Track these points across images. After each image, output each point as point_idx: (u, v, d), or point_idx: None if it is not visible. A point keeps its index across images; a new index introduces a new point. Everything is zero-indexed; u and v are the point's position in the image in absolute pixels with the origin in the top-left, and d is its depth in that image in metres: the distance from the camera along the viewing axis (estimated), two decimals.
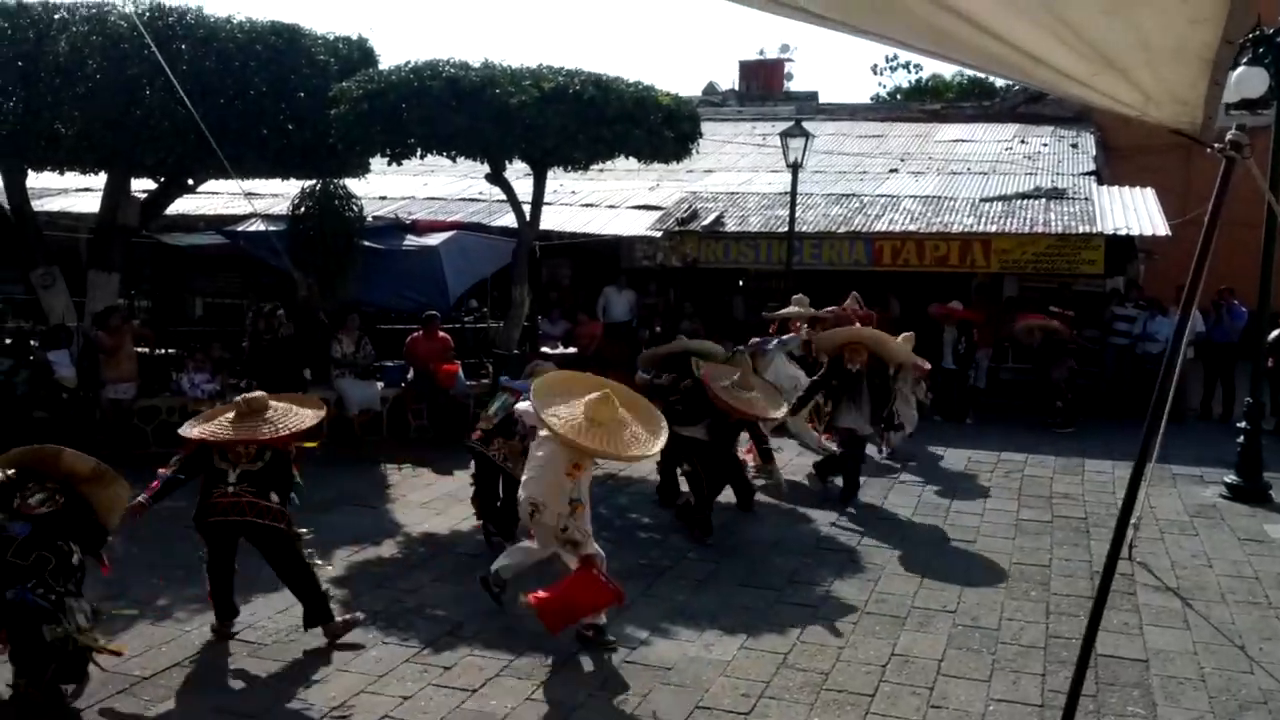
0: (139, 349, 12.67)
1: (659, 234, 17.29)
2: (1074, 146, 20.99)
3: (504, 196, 14.08)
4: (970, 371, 15.39)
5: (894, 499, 10.68)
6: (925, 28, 3.09)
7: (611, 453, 6.82)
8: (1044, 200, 17.11)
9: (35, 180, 14.35)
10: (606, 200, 18.87)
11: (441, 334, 13.74)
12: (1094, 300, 16.82)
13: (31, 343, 12.88)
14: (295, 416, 6.92)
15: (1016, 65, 3.47)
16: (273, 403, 6.98)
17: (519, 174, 14.12)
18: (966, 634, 7.18)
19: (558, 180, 16.13)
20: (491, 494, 9.03)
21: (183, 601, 7.57)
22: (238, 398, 7.06)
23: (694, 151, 14.02)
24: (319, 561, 7.28)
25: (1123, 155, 21.50)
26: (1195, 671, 6.62)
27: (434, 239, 15.15)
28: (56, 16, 12.42)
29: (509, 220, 14.94)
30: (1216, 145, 3.88)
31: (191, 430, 6.86)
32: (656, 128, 12.71)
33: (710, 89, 30.51)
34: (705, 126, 14.54)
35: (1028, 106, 23.48)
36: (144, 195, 14.26)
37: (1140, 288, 16.58)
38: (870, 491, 10.86)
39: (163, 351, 14.63)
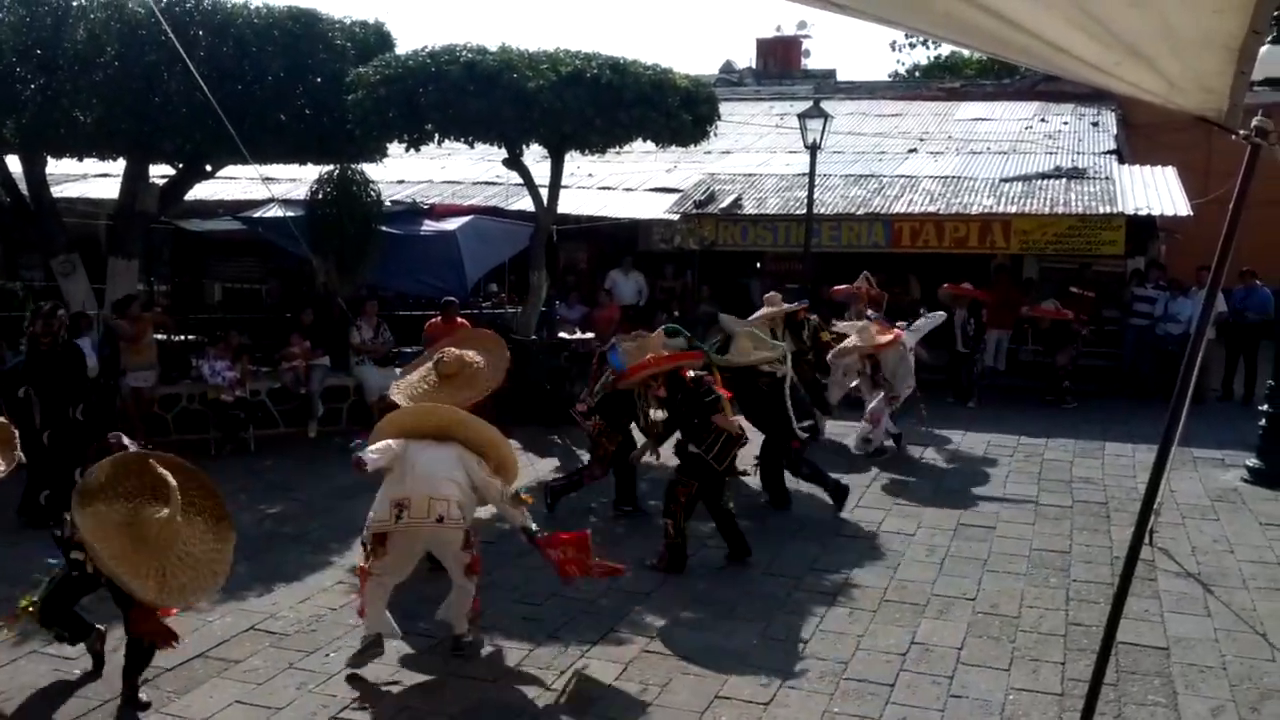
0: (158, 335, 12.72)
1: (676, 216, 17.20)
2: (1095, 125, 20.75)
3: (521, 180, 14.06)
4: (978, 354, 15.18)
5: (914, 484, 10.64)
6: (948, 18, 3.06)
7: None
8: (1064, 180, 16.94)
9: (54, 166, 14.38)
10: (624, 183, 18.80)
11: (460, 319, 13.71)
12: (1114, 281, 16.69)
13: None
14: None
15: (1038, 54, 3.43)
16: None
17: (536, 157, 14.08)
18: (986, 622, 7.15)
19: (574, 163, 16.06)
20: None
21: None
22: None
23: (712, 134, 13.96)
24: None
25: (1144, 132, 21.22)
26: (1216, 659, 6.58)
27: (451, 224, 15.15)
28: (74, 3, 12.44)
29: (526, 203, 14.91)
30: (1241, 132, 3.82)
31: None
32: (674, 111, 12.65)
33: (727, 67, 30.28)
34: (723, 107, 14.45)
35: (1048, 83, 23.18)
36: (162, 181, 14.30)
37: (1162, 268, 16.40)
38: (890, 477, 10.83)
39: (182, 338, 14.68)
